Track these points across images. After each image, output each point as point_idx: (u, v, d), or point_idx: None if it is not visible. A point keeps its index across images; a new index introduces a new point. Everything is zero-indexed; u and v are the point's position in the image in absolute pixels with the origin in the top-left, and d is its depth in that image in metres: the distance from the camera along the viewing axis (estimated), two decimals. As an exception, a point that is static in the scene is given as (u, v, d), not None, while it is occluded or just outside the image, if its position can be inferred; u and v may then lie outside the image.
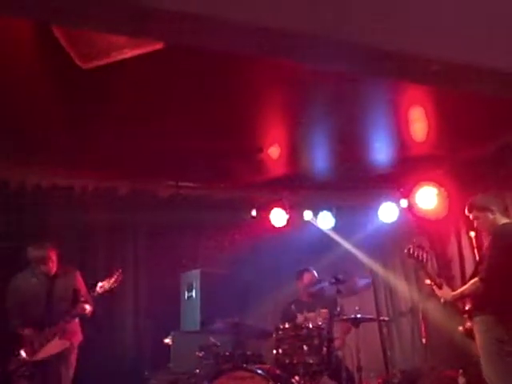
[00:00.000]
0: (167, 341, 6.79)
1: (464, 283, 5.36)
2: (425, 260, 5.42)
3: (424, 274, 5.55)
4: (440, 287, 5.24)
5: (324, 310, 6.43)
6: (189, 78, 4.69)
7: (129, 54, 3.91)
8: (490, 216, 4.98)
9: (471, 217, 5.13)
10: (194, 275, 7.43)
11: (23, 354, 5.57)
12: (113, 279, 5.97)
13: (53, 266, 5.91)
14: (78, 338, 5.97)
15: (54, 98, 4.86)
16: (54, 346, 5.67)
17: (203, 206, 7.59)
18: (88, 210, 7.20)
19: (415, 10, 2.77)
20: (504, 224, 4.99)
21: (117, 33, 3.04)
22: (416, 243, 5.54)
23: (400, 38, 2.75)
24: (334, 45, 2.67)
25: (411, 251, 5.45)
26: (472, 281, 5.02)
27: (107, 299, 6.14)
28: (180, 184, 7.46)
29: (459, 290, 5.11)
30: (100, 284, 5.91)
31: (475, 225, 5.16)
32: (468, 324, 4.97)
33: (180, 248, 7.85)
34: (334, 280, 6.30)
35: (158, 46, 3.79)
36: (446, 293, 5.19)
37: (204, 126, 5.68)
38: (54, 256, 5.91)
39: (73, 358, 5.86)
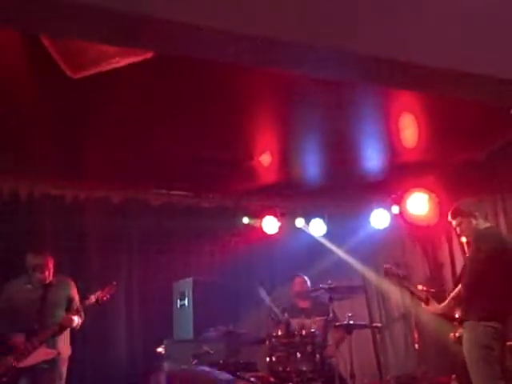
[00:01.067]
0: (160, 350, 6.77)
1: (455, 287, 5.38)
2: (404, 278, 5.46)
3: (407, 291, 5.57)
4: (426, 303, 5.26)
5: (319, 318, 6.43)
6: (179, 87, 4.69)
7: (119, 63, 3.91)
8: (473, 221, 5.02)
9: (454, 223, 5.15)
10: (187, 284, 7.41)
11: (9, 360, 5.54)
12: (106, 291, 5.97)
13: (49, 275, 5.89)
14: (67, 350, 5.93)
15: (44, 107, 4.86)
16: (39, 354, 5.63)
17: (195, 214, 7.58)
18: (80, 219, 7.18)
19: (406, 18, 2.79)
20: (485, 228, 5.03)
21: (106, 43, 3.04)
22: (393, 262, 5.58)
23: (391, 46, 2.76)
24: (326, 52, 2.69)
25: (388, 270, 5.48)
26: (456, 289, 5.05)
27: (100, 308, 6.12)
28: (171, 193, 7.46)
29: (445, 302, 5.13)
30: (92, 295, 5.91)
31: (458, 231, 5.19)
32: (459, 331, 4.98)
33: (172, 256, 7.83)
34: (326, 287, 6.31)
35: (148, 55, 3.80)
36: (433, 307, 5.22)
37: (195, 134, 5.69)
38: (50, 264, 5.91)
39: (63, 368, 5.83)
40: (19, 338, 5.62)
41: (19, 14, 2.25)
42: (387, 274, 5.51)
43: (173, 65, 4.10)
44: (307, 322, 6.46)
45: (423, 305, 5.31)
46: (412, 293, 5.44)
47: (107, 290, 6.00)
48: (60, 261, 6.07)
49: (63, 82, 4.23)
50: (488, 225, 5.10)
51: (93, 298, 5.89)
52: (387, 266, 5.50)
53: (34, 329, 5.66)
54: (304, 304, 6.99)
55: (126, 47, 3.55)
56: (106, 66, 3.95)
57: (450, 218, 5.20)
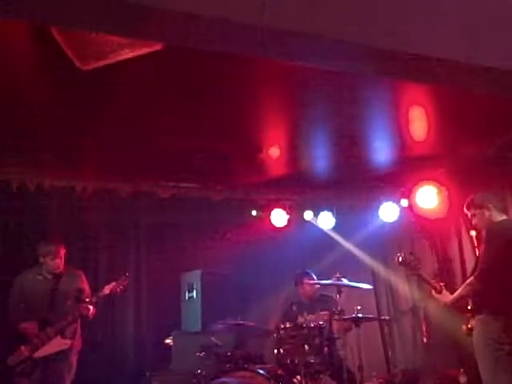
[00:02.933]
0: (168, 341, 6.80)
1: (464, 282, 5.37)
2: (418, 266, 5.44)
3: (420, 280, 5.55)
4: (439, 292, 5.25)
5: (324, 312, 6.42)
6: (188, 79, 4.69)
7: (128, 55, 3.91)
8: (487, 213, 5.00)
9: (469, 214, 5.15)
10: (195, 276, 7.43)
11: (24, 350, 5.59)
12: (119, 282, 6.02)
13: (60, 263, 5.95)
14: (79, 343, 5.98)
15: (53, 99, 4.85)
16: (54, 345, 5.69)
17: (204, 207, 7.59)
18: (89, 211, 7.21)
19: (415, 11, 2.77)
20: (499, 221, 5.00)
21: (115, 34, 3.04)
22: (406, 251, 5.56)
23: (401, 38, 2.75)
24: (334, 44, 2.68)
25: (402, 259, 5.46)
26: (468, 281, 5.03)
27: (108, 300, 6.15)
28: (180, 185, 7.46)
29: (456, 293, 5.11)
30: (106, 286, 5.96)
31: (473, 222, 5.18)
32: (472, 322, 4.97)
33: (181, 248, 7.86)
34: (334, 280, 6.30)
35: (157, 46, 3.79)
36: (445, 297, 5.20)
37: (204, 126, 5.68)
38: (62, 252, 5.98)
39: (74, 360, 5.87)
40: (33, 328, 5.68)
41: (29, 5, 2.26)
42: (402, 263, 5.49)
43: (181, 57, 4.09)
44: (312, 316, 6.45)
45: (435, 294, 5.29)
46: (425, 281, 5.42)
47: (120, 281, 6.05)
48: (68, 252, 6.11)
49: (73, 74, 4.24)
50: (503, 217, 5.07)
51: (107, 289, 5.95)
52: (400, 255, 5.48)
53: (48, 319, 5.71)
54: (310, 299, 6.98)
55: (134, 38, 3.55)
56: (115, 58, 3.95)
57: (465, 209, 5.20)
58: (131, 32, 2.69)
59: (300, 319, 6.34)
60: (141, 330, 7.53)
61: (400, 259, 5.49)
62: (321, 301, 6.79)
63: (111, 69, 4.13)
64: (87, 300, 5.86)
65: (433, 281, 5.38)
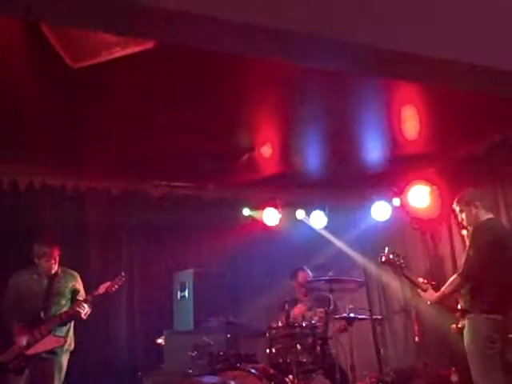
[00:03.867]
0: (160, 341, 6.78)
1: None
2: (402, 265, 5.45)
3: (405, 278, 5.57)
4: (424, 290, 5.26)
5: (320, 310, 6.43)
6: (180, 78, 4.68)
7: (119, 53, 3.90)
8: (474, 210, 5.02)
9: (457, 210, 5.17)
10: (187, 275, 7.42)
11: (17, 347, 5.59)
12: (114, 282, 6.02)
13: (54, 264, 5.96)
14: (71, 342, 5.97)
15: (44, 97, 4.83)
16: (46, 343, 5.69)
17: (196, 206, 7.59)
18: (80, 210, 7.19)
19: (409, 9, 2.77)
20: (485, 220, 5.02)
21: (107, 31, 3.02)
22: (390, 249, 5.57)
23: (392, 36, 2.75)
24: (325, 43, 2.67)
25: (385, 258, 5.47)
26: (451, 278, 5.05)
27: (100, 299, 6.13)
28: (172, 184, 7.45)
29: (441, 290, 5.12)
30: (101, 286, 5.96)
31: (459, 218, 5.19)
32: (461, 322, 4.98)
33: (173, 248, 7.85)
34: (327, 278, 6.32)
35: (149, 45, 3.78)
36: (430, 295, 5.21)
37: (195, 125, 5.67)
38: (56, 253, 5.98)
39: (65, 359, 5.87)
40: (26, 327, 5.67)
41: (20, 2, 2.24)
42: (384, 262, 5.51)
43: (173, 55, 4.07)
44: (308, 313, 6.46)
45: (420, 292, 5.31)
46: (410, 280, 5.45)
47: (116, 281, 6.05)
48: (61, 252, 6.10)
49: (63, 72, 4.22)
50: (489, 216, 5.09)
51: (102, 289, 5.95)
52: (384, 254, 5.49)
53: (41, 317, 5.72)
54: (305, 296, 6.99)
55: (126, 36, 3.53)
56: (106, 56, 3.93)
57: (454, 205, 5.22)
58: (123, 30, 2.67)
59: (296, 310, 6.35)
60: (133, 330, 7.51)
61: (383, 258, 5.50)
62: (315, 299, 6.80)
63: (104, 66, 4.12)
64: (81, 299, 5.86)
65: (419, 279, 5.39)
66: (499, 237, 4.94)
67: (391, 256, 5.48)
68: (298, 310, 6.66)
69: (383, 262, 5.54)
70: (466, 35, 2.90)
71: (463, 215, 5.12)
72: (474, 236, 4.95)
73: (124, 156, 6.38)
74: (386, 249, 5.58)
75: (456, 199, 5.21)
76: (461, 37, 2.89)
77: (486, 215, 5.05)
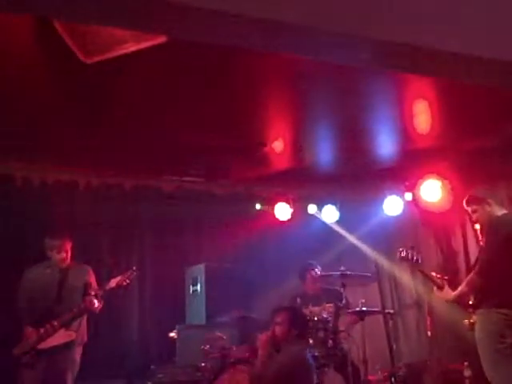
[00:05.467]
0: (172, 335, 6.82)
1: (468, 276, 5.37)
2: (420, 261, 5.44)
3: (422, 275, 5.56)
4: (441, 287, 5.25)
5: (329, 305, 6.43)
6: (192, 73, 4.68)
7: (132, 48, 3.91)
8: (488, 208, 5.00)
9: (470, 210, 5.14)
10: (199, 269, 7.45)
11: (30, 340, 5.64)
12: (126, 276, 6.03)
13: (66, 257, 6.00)
14: (83, 336, 6.00)
15: (57, 94, 4.86)
16: (59, 337, 5.73)
17: (207, 201, 7.59)
18: (93, 206, 7.23)
19: (419, 2, 2.77)
20: (500, 215, 5.00)
21: (119, 26, 3.04)
22: (408, 245, 5.56)
23: (404, 30, 2.74)
24: (337, 37, 2.67)
25: (404, 254, 5.46)
26: (469, 277, 5.03)
27: (113, 293, 6.17)
28: (184, 179, 7.47)
29: (458, 289, 5.10)
30: (113, 280, 5.98)
31: (473, 218, 5.17)
32: (474, 317, 4.97)
33: (185, 242, 7.88)
34: (339, 273, 6.32)
35: (161, 39, 3.79)
36: (447, 294, 5.20)
37: (208, 120, 5.68)
38: (68, 246, 6.01)
39: (77, 353, 5.90)
40: (32, 322, 5.72)
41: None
42: (402, 258, 5.50)
43: (185, 50, 4.08)
44: (316, 309, 6.46)
45: (436, 291, 5.29)
46: (427, 277, 5.43)
47: (127, 275, 6.07)
48: (73, 246, 6.13)
49: (76, 67, 4.24)
50: (504, 211, 5.07)
51: (113, 283, 5.97)
52: (402, 250, 5.49)
53: (54, 312, 5.75)
54: (315, 291, 6.99)
55: (138, 31, 3.54)
56: (118, 51, 3.95)
57: (464, 205, 5.19)
58: (135, 24, 2.69)
59: (304, 311, 6.36)
60: (145, 324, 7.55)
61: (401, 254, 5.50)
62: (325, 294, 6.81)
63: (117, 61, 4.13)
64: (93, 293, 5.89)
65: (435, 276, 5.38)
66: None
67: (409, 252, 5.47)
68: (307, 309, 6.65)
69: (402, 258, 5.52)
70: (478, 28, 2.89)
71: (477, 213, 5.10)
72: (489, 232, 4.93)
73: (136, 151, 6.41)
74: (401, 248, 5.58)
75: (466, 199, 5.18)
76: (471, 29, 2.88)
77: (499, 211, 5.03)
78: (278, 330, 5.28)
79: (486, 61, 2.93)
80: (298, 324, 5.29)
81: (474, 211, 5.11)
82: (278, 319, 5.32)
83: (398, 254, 5.53)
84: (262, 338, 5.54)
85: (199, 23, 2.50)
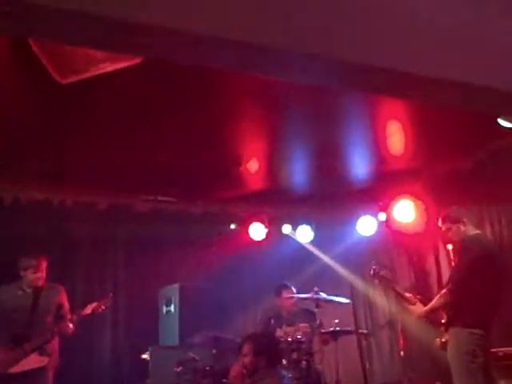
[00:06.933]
0: (145, 356, 6.75)
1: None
2: (391, 279, 5.51)
3: (394, 292, 5.61)
4: (413, 304, 5.29)
5: (303, 325, 6.43)
6: (167, 93, 4.70)
7: (107, 68, 3.91)
8: (462, 228, 5.06)
9: (444, 228, 5.20)
10: (173, 290, 7.41)
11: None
12: (102, 302, 5.95)
13: (41, 277, 5.89)
14: (56, 359, 5.90)
15: (30, 112, 4.83)
16: (31, 361, 5.61)
17: (182, 221, 7.58)
18: (66, 225, 7.16)
19: (390, 26, 2.81)
20: (474, 235, 5.07)
21: (95, 47, 3.04)
22: (379, 263, 5.62)
23: (377, 53, 2.79)
24: (311, 60, 2.71)
25: (375, 271, 5.52)
26: (441, 293, 5.09)
27: (87, 316, 6.09)
28: (159, 198, 7.45)
29: (429, 304, 5.16)
30: (89, 305, 5.89)
31: (447, 236, 5.24)
32: (445, 336, 5.01)
33: (159, 262, 7.82)
34: (313, 294, 6.33)
35: (136, 60, 3.80)
36: (418, 308, 5.25)
37: (183, 140, 5.69)
38: (43, 266, 5.91)
39: (50, 376, 5.79)
40: (3, 345, 5.60)
41: (8, 18, 2.25)
42: (375, 275, 5.55)
43: (160, 70, 4.10)
44: (290, 329, 6.45)
45: (409, 306, 5.33)
46: (399, 294, 5.47)
47: (104, 301, 5.98)
48: (48, 266, 6.05)
49: (50, 87, 4.23)
50: (477, 232, 5.14)
51: (89, 309, 5.87)
52: (375, 267, 5.53)
53: (25, 334, 5.63)
54: (289, 312, 6.98)
55: (114, 52, 3.55)
56: (94, 72, 3.95)
57: (439, 223, 5.25)
58: (111, 46, 2.70)
59: (279, 332, 6.35)
60: (118, 346, 7.47)
61: (373, 272, 5.55)
62: (300, 314, 6.80)
63: (91, 81, 4.13)
64: (68, 317, 5.80)
65: (406, 294, 5.43)
66: (487, 252, 5.00)
67: (380, 269, 5.53)
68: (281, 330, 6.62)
69: (373, 276, 5.57)
70: (450, 53, 2.94)
71: (451, 232, 5.16)
72: (463, 251, 4.99)
73: (111, 171, 6.38)
74: (373, 262, 5.63)
75: (441, 217, 5.24)
76: (446, 54, 2.93)
77: (473, 231, 5.11)
78: (246, 361, 5.28)
79: (459, 85, 2.98)
80: (263, 352, 5.27)
81: (448, 230, 5.17)
82: (244, 350, 5.32)
83: (371, 271, 5.59)
84: (233, 371, 5.56)
85: (172, 45, 2.52)
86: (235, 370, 5.62)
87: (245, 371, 5.30)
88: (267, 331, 6.53)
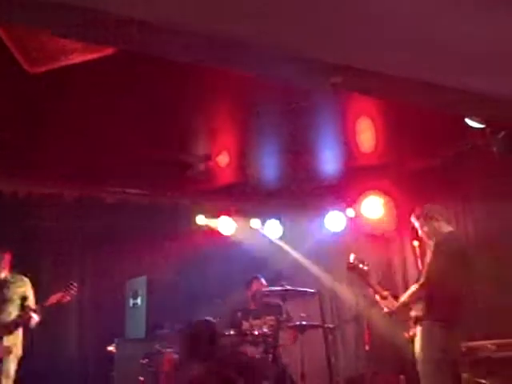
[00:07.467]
0: (111, 348, 6.72)
1: (406, 291, 5.48)
2: (366, 272, 5.54)
3: (367, 286, 5.64)
4: (384, 298, 5.34)
5: (270, 318, 6.45)
6: (137, 85, 4.66)
7: (77, 59, 3.87)
8: (435, 224, 5.12)
9: (417, 224, 5.25)
10: (140, 282, 7.39)
11: None
12: (67, 293, 5.90)
13: (5, 269, 5.84)
14: (19, 350, 5.84)
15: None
16: None
17: (150, 213, 7.54)
18: (33, 216, 7.08)
19: (358, 26, 2.83)
20: (447, 232, 5.13)
21: (66, 37, 3.01)
22: (356, 256, 5.64)
23: (346, 52, 2.81)
24: (280, 56, 2.72)
25: (351, 264, 5.55)
26: (412, 287, 5.15)
27: (52, 306, 6.04)
28: (127, 191, 7.39)
29: (401, 300, 5.22)
30: (53, 296, 5.84)
31: (420, 233, 5.29)
32: (413, 330, 5.06)
33: (127, 255, 7.78)
34: (280, 288, 6.36)
35: (107, 51, 3.77)
36: (390, 304, 5.29)
37: (152, 133, 5.66)
38: (7, 258, 5.86)
39: (12, 368, 5.74)
40: None
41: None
42: (351, 268, 5.57)
43: (130, 63, 4.05)
44: (257, 322, 6.47)
45: (380, 301, 5.38)
46: (373, 288, 5.51)
47: (68, 291, 5.93)
48: (12, 258, 5.99)
49: (18, 76, 4.17)
50: (450, 229, 5.21)
51: (54, 299, 5.82)
52: (353, 260, 5.56)
53: None
54: (256, 305, 7.00)
55: (85, 42, 3.52)
56: (64, 61, 3.90)
57: (412, 219, 5.30)
58: (82, 36, 2.68)
59: (245, 325, 6.36)
60: (84, 338, 7.42)
61: (349, 264, 5.57)
62: (266, 308, 6.83)
63: (59, 72, 4.08)
64: (32, 308, 5.75)
65: (379, 288, 5.47)
66: (460, 249, 5.07)
67: (357, 262, 5.55)
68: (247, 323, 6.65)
69: (349, 269, 5.59)
70: (420, 52, 2.98)
71: (425, 229, 5.21)
72: (437, 247, 5.03)
73: (78, 162, 6.31)
74: (352, 255, 5.65)
75: (415, 214, 5.29)
76: (415, 54, 2.97)
77: (447, 228, 5.17)
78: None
79: (427, 85, 3.02)
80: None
81: (421, 226, 5.22)
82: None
83: (347, 264, 5.60)
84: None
85: (143, 36, 2.51)
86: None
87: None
88: (234, 324, 6.54)
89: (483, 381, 5.36)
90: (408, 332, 5.16)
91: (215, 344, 5.75)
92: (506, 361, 5.37)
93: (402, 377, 6.55)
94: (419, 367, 4.86)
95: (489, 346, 5.55)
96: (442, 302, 4.86)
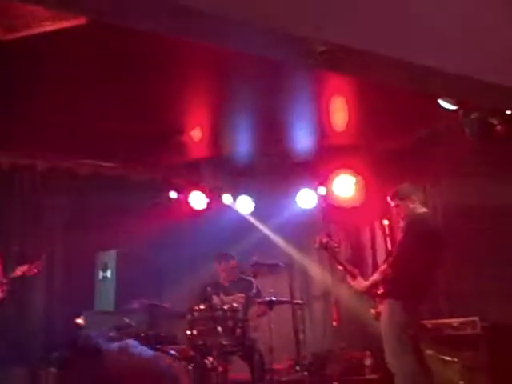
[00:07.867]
0: (79, 321, 6.70)
1: (375, 271, 5.56)
2: (337, 250, 5.59)
3: (337, 263, 5.71)
4: (354, 277, 5.40)
5: (240, 295, 6.49)
6: (110, 57, 4.62)
7: (50, 27, 3.82)
8: (410, 205, 5.17)
9: (392, 204, 5.30)
10: (110, 255, 7.36)
11: None
12: (34, 265, 5.84)
13: None
14: None
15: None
16: None
17: (122, 186, 7.49)
18: (2, 188, 6.99)
19: (340, 4, 2.84)
20: (420, 213, 5.20)
21: (38, 4, 2.96)
22: (325, 233, 5.69)
23: (325, 28, 2.80)
24: (257, 31, 2.71)
25: (322, 241, 5.59)
26: (381, 267, 5.22)
27: (19, 278, 5.99)
28: (99, 163, 7.33)
29: (370, 279, 5.29)
30: (19, 267, 5.77)
31: (394, 212, 5.34)
32: (380, 307, 5.15)
33: (97, 229, 7.73)
34: (251, 263, 6.39)
35: (81, 21, 3.72)
36: (360, 283, 5.36)
37: (126, 106, 5.62)
38: None
39: None
40: None
41: None
42: (320, 245, 5.61)
43: (104, 33, 4.00)
44: (227, 298, 6.50)
45: (350, 280, 5.44)
46: (343, 266, 5.56)
47: (35, 264, 5.86)
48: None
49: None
50: (424, 210, 5.27)
51: (19, 271, 5.77)
52: (323, 238, 5.60)
53: None
54: (227, 281, 7.03)
55: (58, 11, 3.46)
56: (36, 29, 3.84)
57: (388, 199, 5.34)
58: (55, 4, 2.63)
59: (215, 300, 6.39)
60: (52, 310, 7.38)
61: (319, 242, 5.62)
62: (237, 283, 6.86)
63: (34, 40, 4.02)
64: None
65: (349, 266, 5.53)
66: (431, 231, 5.14)
67: (327, 240, 5.59)
68: (218, 298, 6.66)
69: (319, 246, 5.63)
70: (395, 30, 2.99)
71: (400, 209, 5.26)
72: (407, 228, 5.10)
73: (51, 133, 6.24)
74: (322, 233, 5.70)
75: (391, 194, 5.33)
76: (390, 32, 2.98)
77: (421, 209, 5.22)
78: None
79: (403, 63, 3.04)
80: None
81: (396, 206, 5.27)
82: None
83: (318, 241, 5.63)
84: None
85: (117, 7, 2.47)
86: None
87: None
88: (203, 298, 6.56)
89: (447, 357, 5.51)
90: (375, 309, 5.25)
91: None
92: (469, 338, 5.52)
93: (368, 352, 6.67)
94: (384, 343, 4.96)
95: (454, 324, 5.69)
96: (405, 280, 4.94)
